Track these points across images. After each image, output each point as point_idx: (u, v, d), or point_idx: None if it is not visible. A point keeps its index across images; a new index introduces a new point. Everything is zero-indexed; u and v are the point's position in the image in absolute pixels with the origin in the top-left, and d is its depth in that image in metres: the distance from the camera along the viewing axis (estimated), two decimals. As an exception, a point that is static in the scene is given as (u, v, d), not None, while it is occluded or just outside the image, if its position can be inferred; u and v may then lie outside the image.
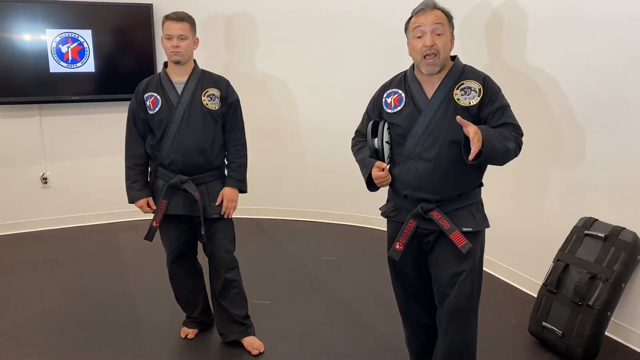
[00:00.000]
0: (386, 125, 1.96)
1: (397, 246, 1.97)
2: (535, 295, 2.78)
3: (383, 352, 2.60)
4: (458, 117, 1.75)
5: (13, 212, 4.39)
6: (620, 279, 2.46)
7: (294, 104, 4.58)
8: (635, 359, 2.53)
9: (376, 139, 1.95)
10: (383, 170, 1.92)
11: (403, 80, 1.99)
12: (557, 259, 2.69)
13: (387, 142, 1.95)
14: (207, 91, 2.45)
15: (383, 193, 2.09)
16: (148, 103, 2.44)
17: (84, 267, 3.65)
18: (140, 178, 2.52)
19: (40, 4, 4.09)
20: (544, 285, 2.69)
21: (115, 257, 3.84)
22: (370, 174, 1.95)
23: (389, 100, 1.99)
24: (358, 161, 2.09)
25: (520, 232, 3.23)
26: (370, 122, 1.98)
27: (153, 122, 2.45)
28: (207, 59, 3.97)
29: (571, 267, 2.61)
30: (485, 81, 1.89)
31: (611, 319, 2.50)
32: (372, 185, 2.01)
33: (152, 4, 4.36)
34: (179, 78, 2.45)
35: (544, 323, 2.60)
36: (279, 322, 2.88)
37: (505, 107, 1.88)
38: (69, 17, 4.19)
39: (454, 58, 1.95)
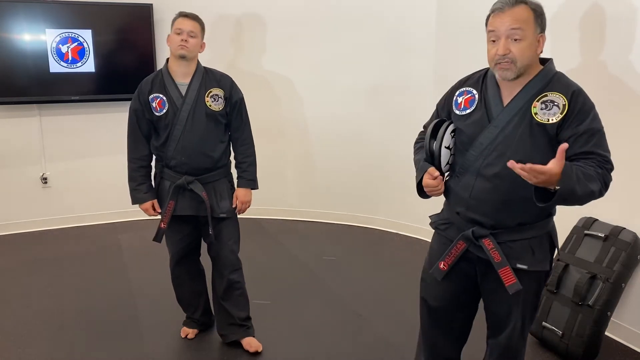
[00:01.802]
0: (450, 128, 1.71)
1: (442, 266, 1.76)
2: (535, 295, 2.78)
3: (383, 352, 2.60)
4: (510, 162, 1.40)
5: (13, 212, 4.39)
6: (620, 279, 2.46)
7: (295, 103, 4.57)
8: (635, 359, 2.53)
9: (434, 142, 1.69)
10: (435, 178, 1.67)
11: (481, 80, 1.73)
12: (557, 259, 2.69)
13: (446, 147, 1.70)
14: (211, 91, 2.41)
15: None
16: (154, 104, 2.39)
17: (84, 267, 3.65)
18: (146, 180, 2.49)
19: (40, 4, 4.09)
20: (544, 285, 2.68)
21: (115, 257, 3.84)
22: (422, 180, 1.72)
23: (459, 99, 1.74)
24: (414, 161, 1.86)
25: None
26: (433, 122, 1.72)
27: (159, 124, 2.41)
28: (211, 58, 3.96)
29: (571, 267, 2.61)
30: (574, 96, 1.56)
31: (611, 319, 2.50)
32: (423, 192, 1.77)
33: (152, 4, 4.35)
34: (182, 79, 2.41)
35: (544, 323, 2.61)
36: (279, 322, 2.88)
37: (595, 132, 1.53)
38: (69, 17, 4.19)
39: (546, 62, 1.64)
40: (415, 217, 4.09)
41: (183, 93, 2.39)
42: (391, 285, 3.35)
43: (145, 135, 2.47)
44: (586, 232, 2.66)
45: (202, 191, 2.41)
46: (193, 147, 2.38)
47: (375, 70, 4.28)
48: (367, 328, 2.85)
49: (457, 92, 1.76)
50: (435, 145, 1.69)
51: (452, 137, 1.72)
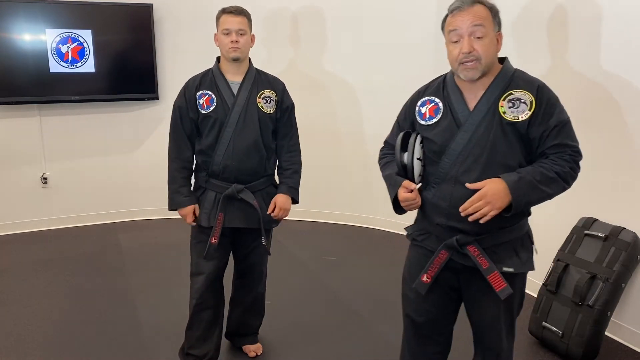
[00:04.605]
0: (419, 139, 1.69)
1: (425, 278, 1.71)
2: (535, 295, 2.78)
3: (383, 352, 2.60)
4: (468, 184, 1.54)
5: (13, 212, 4.39)
6: (620, 279, 2.46)
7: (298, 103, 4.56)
8: (635, 359, 2.53)
9: (406, 154, 1.66)
10: (412, 191, 1.66)
11: (441, 87, 1.70)
12: (557, 259, 2.69)
13: (418, 159, 1.68)
14: (263, 93, 2.28)
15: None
16: (201, 102, 2.22)
17: (84, 267, 3.65)
18: (187, 183, 2.29)
19: (40, 4, 4.09)
20: (544, 285, 2.69)
21: (115, 257, 3.84)
22: (397, 195, 1.70)
23: (423, 110, 1.71)
24: (384, 177, 1.81)
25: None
26: (401, 134, 1.68)
27: (204, 123, 2.24)
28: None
29: (571, 267, 2.61)
30: (539, 91, 1.58)
31: (611, 319, 2.50)
32: (399, 208, 1.75)
33: (152, 4, 4.35)
34: (233, 77, 2.26)
35: (544, 323, 2.61)
36: (278, 322, 2.88)
37: (563, 124, 1.57)
38: (69, 17, 4.19)
39: (503, 60, 1.65)
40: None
41: (234, 92, 2.25)
42: (391, 285, 3.34)
43: (188, 135, 2.28)
44: (586, 232, 2.66)
45: (253, 200, 2.26)
46: (244, 150, 2.22)
47: (375, 69, 4.28)
48: (367, 328, 2.85)
49: (419, 103, 1.73)
50: (407, 157, 1.66)
51: (422, 148, 1.70)
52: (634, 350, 2.58)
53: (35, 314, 2.98)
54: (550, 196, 1.57)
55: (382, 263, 3.75)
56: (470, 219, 1.55)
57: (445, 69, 1.71)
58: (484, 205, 1.52)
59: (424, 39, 3.99)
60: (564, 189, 1.58)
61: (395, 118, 1.85)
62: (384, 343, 2.68)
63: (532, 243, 1.74)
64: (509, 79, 1.61)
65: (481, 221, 1.54)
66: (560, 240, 2.75)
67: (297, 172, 2.43)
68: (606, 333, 2.57)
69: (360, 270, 3.62)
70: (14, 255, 3.89)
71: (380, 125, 4.34)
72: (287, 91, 2.39)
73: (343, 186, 4.57)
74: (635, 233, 2.51)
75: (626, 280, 2.49)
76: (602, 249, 2.55)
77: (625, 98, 2.56)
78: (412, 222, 1.87)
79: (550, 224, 3.03)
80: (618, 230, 2.55)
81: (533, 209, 1.67)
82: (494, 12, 1.59)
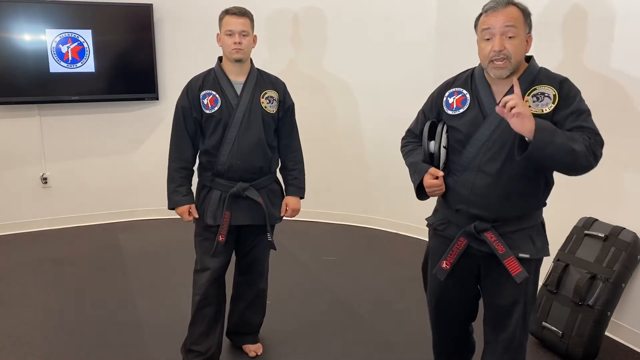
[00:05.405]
0: (445, 128, 1.78)
1: (444, 265, 1.81)
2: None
3: (383, 352, 2.60)
4: (498, 108, 1.56)
5: (13, 212, 4.39)
6: (620, 279, 2.46)
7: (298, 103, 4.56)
8: (635, 359, 2.53)
9: (433, 142, 1.75)
10: (437, 178, 1.74)
11: (470, 80, 1.79)
12: (557, 259, 2.69)
13: (444, 147, 1.76)
14: (266, 93, 2.30)
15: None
16: (205, 102, 2.23)
17: (84, 267, 3.65)
18: (185, 183, 2.31)
19: (40, 4, 4.09)
20: (544, 285, 2.69)
21: (115, 257, 3.84)
22: (421, 181, 1.78)
23: (450, 100, 1.80)
24: (408, 165, 1.90)
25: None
26: (428, 123, 1.79)
27: (208, 123, 2.25)
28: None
29: (571, 267, 2.61)
30: (562, 85, 1.67)
31: (611, 319, 2.50)
32: (422, 194, 1.84)
33: (152, 4, 4.35)
34: (236, 77, 2.27)
35: (544, 323, 2.61)
36: (278, 322, 2.88)
37: (582, 112, 1.65)
38: (69, 17, 4.19)
39: (529, 59, 1.75)
40: (415, 217, 4.09)
41: (238, 92, 2.26)
42: (391, 285, 3.35)
43: (190, 135, 2.29)
44: (586, 232, 2.66)
45: (258, 197, 2.28)
46: (249, 149, 2.24)
47: (374, 70, 4.28)
48: (367, 328, 2.85)
49: (447, 93, 1.82)
50: (434, 146, 1.75)
51: (447, 137, 1.79)
52: (634, 350, 2.59)
53: (35, 314, 2.98)
54: (573, 153, 1.54)
55: (382, 263, 3.75)
56: (500, 105, 1.56)
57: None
58: (518, 102, 1.53)
59: (424, 39, 3.99)
60: (586, 158, 1.57)
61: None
62: (384, 343, 2.69)
63: (545, 233, 1.82)
64: (534, 76, 1.70)
65: (513, 111, 1.52)
66: (560, 240, 2.75)
67: (302, 171, 2.49)
68: (606, 333, 2.57)
69: (360, 270, 3.62)
70: (14, 255, 3.89)
71: (380, 125, 4.38)
72: (287, 91, 2.42)
73: (343, 186, 4.57)
74: (635, 233, 2.51)
75: (626, 280, 2.49)
76: (602, 249, 2.55)
77: (627, 98, 2.56)
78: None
79: (550, 224, 3.01)
80: (618, 230, 2.55)
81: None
82: (526, 14, 1.67)
